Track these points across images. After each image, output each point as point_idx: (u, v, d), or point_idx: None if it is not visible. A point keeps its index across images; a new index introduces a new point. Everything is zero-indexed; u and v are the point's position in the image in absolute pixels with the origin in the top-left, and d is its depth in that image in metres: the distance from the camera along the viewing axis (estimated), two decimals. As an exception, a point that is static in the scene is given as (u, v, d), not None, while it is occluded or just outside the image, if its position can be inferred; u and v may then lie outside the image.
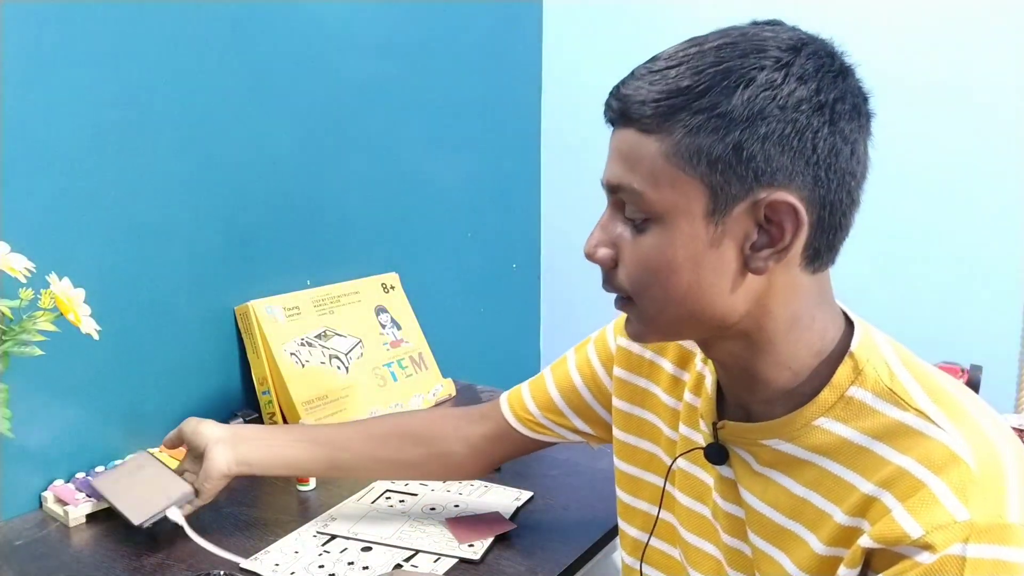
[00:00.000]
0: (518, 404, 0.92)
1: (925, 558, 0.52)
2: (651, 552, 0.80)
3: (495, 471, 1.01)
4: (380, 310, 1.49)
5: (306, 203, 1.41)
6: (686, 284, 0.59)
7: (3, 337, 0.88)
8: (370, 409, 1.36)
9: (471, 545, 0.95)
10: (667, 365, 0.79)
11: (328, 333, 1.38)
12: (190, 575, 0.89)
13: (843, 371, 0.61)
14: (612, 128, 0.62)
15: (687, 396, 0.75)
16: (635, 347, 0.82)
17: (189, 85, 1.19)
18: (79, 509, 1.02)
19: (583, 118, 1.94)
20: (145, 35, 1.13)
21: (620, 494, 0.85)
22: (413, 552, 0.94)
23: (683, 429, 0.75)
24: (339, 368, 1.36)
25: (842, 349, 0.62)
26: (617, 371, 0.84)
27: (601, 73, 1.89)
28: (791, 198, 0.56)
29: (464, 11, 1.70)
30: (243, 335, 1.30)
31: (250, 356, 1.30)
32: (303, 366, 1.30)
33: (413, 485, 1.12)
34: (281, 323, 1.31)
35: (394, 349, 1.48)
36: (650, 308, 0.62)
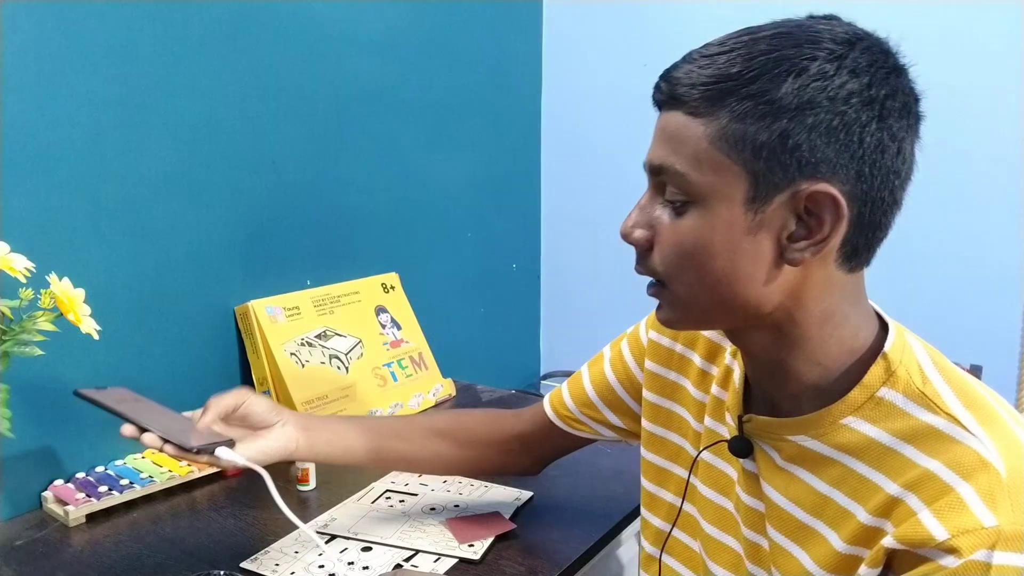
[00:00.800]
0: (558, 401, 0.95)
1: (949, 562, 0.52)
2: (672, 543, 0.80)
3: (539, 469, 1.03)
4: (380, 310, 1.49)
5: (306, 203, 1.41)
6: (720, 270, 0.59)
7: (3, 337, 0.88)
8: (370, 409, 1.36)
9: (471, 545, 0.95)
10: (697, 359, 0.79)
11: (328, 333, 1.38)
12: (190, 575, 0.89)
13: (875, 371, 0.60)
14: (659, 111, 0.62)
15: (714, 389, 0.76)
16: (665, 340, 0.83)
17: (189, 85, 1.20)
18: (79, 509, 1.02)
19: (583, 118, 1.94)
20: (145, 35, 1.13)
21: (645, 483, 0.85)
22: (413, 552, 0.94)
23: (708, 422, 0.76)
24: (339, 368, 1.36)
25: (875, 349, 0.62)
26: (648, 364, 0.85)
27: (601, 73, 1.90)
28: (833, 190, 0.56)
29: (464, 11, 1.70)
30: (243, 335, 1.30)
31: (250, 356, 1.30)
32: (303, 366, 1.30)
33: (413, 485, 1.12)
34: (281, 323, 1.31)
35: (394, 349, 1.48)
36: (683, 292, 0.62)
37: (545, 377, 2.03)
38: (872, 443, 0.59)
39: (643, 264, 0.64)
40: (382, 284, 1.52)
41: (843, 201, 0.56)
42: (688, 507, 0.79)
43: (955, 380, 0.60)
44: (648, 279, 0.65)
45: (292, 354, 1.30)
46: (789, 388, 0.64)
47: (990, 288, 1.51)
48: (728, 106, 0.56)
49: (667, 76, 0.61)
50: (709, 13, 1.68)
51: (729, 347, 0.76)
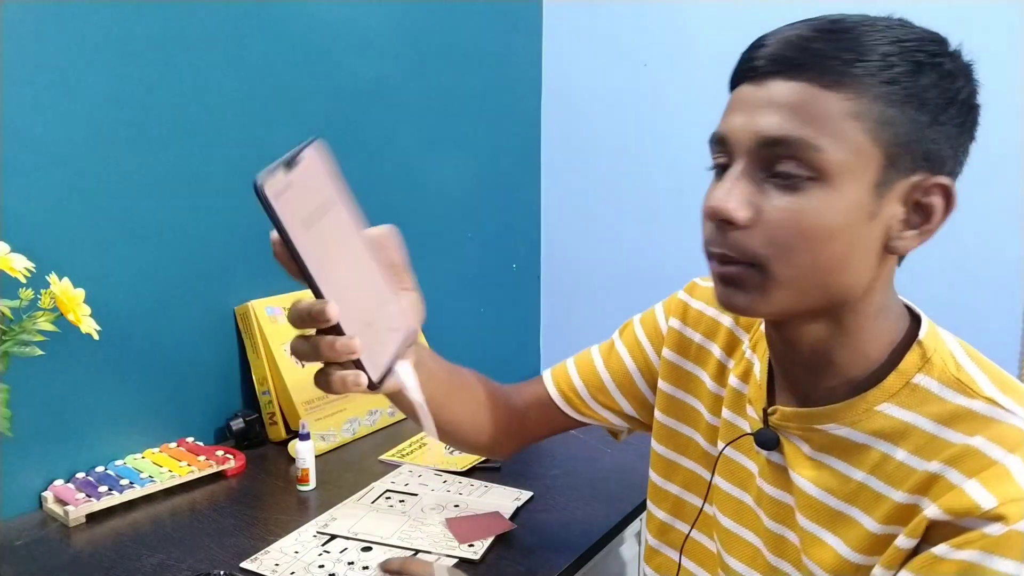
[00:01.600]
0: (566, 384, 0.89)
1: (994, 529, 0.52)
2: (682, 537, 0.80)
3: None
4: (380, 310, 1.49)
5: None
6: (835, 254, 0.57)
7: (3, 337, 0.88)
8: (370, 409, 1.36)
9: (471, 545, 0.95)
10: (716, 351, 0.78)
11: (328, 333, 1.38)
12: (190, 575, 0.89)
13: (911, 359, 0.61)
14: (750, 78, 0.59)
15: (733, 381, 0.75)
16: (687, 330, 0.81)
17: (189, 85, 1.20)
18: (79, 509, 1.01)
19: (583, 118, 1.94)
20: (145, 35, 1.13)
21: (652, 476, 0.84)
22: (413, 552, 0.94)
23: (726, 414, 0.74)
24: (339, 368, 1.36)
25: (910, 337, 0.62)
26: (666, 352, 0.82)
27: (601, 73, 1.90)
28: (951, 184, 0.58)
29: (464, 11, 1.70)
30: (243, 335, 1.30)
31: (250, 356, 1.30)
32: (303, 366, 1.30)
33: (413, 485, 1.12)
34: (281, 323, 1.31)
35: (394, 349, 1.48)
36: (786, 275, 0.58)
37: (545, 377, 2.03)
38: (910, 428, 0.59)
39: (732, 245, 0.58)
40: (382, 284, 1.52)
41: (955, 196, 0.58)
42: (706, 504, 0.78)
43: (988, 367, 0.61)
44: (714, 262, 0.61)
45: (291, 350, 1.29)
46: (828, 379, 0.63)
47: (990, 288, 1.51)
48: (874, 86, 0.55)
49: (784, 40, 0.57)
50: (708, 13, 1.68)
51: (747, 340, 0.75)
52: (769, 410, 0.68)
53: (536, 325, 2.07)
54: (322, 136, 1.43)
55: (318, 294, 0.46)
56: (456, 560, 0.92)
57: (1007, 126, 1.44)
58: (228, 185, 1.27)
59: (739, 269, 0.59)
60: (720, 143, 0.61)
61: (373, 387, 0.49)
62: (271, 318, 1.30)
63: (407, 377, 0.53)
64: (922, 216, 0.58)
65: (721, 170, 0.61)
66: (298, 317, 0.47)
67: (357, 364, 0.48)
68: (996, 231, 1.50)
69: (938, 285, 1.55)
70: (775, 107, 0.57)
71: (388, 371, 0.51)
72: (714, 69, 1.71)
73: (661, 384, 0.83)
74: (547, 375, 0.91)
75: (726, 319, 0.79)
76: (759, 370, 0.71)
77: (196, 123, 1.21)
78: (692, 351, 0.81)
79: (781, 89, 0.57)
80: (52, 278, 0.89)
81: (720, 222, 0.58)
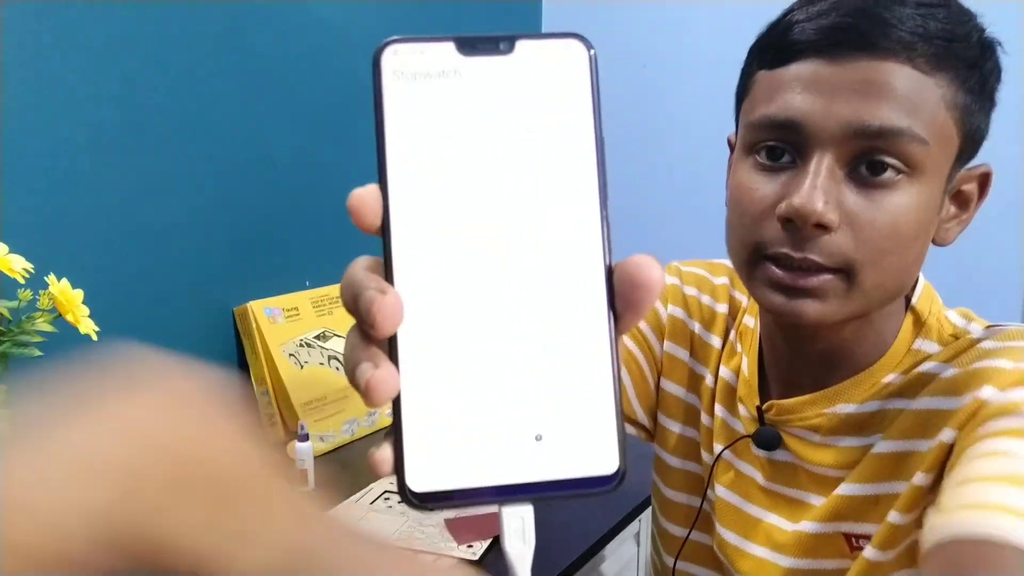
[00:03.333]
0: None
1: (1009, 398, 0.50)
2: (692, 548, 0.72)
3: None
4: (379, 311, 1.49)
5: (305, 203, 1.41)
6: (916, 253, 0.53)
7: (2, 338, 0.88)
8: (369, 410, 1.36)
9: (470, 545, 0.95)
10: (716, 342, 0.71)
11: (327, 334, 1.37)
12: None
13: (907, 325, 0.58)
14: (826, 54, 0.50)
15: (723, 372, 0.69)
16: (686, 318, 0.74)
17: (188, 85, 1.19)
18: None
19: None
20: (144, 35, 1.13)
21: (665, 490, 0.75)
22: (412, 552, 0.94)
23: (719, 411, 0.68)
24: (338, 369, 1.36)
25: (905, 304, 0.59)
26: (668, 346, 0.74)
27: (600, 73, 1.90)
28: (990, 170, 0.55)
29: (463, 11, 1.70)
30: (242, 336, 1.30)
31: (249, 357, 1.30)
32: (302, 367, 1.30)
33: (412, 486, 1.12)
34: (280, 324, 1.31)
35: (393, 350, 1.48)
36: (873, 281, 0.51)
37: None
38: (922, 377, 0.56)
39: (824, 251, 0.50)
40: (381, 285, 1.52)
41: (991, 181, 0.56)
42: (709, 510, 0.71)
43: (983, 323, 0.59)
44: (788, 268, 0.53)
45: (291, 355, 1.30)
46: (841, 369, 0.59)
47: (990, 288, 1.51)
48: (956, 69, 0.50)
49: (878, 15, 0.49)
50: (708, 14, 1.68)
51: (733, 328, 0.70)
52: (764, 407, 0.62)
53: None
54: (321, 136, 1.40)
55: (388, 273, 0.25)
56: (455, 560, 0.92)
57: (1008, 126, 1.44)
58: (228, 185, 1.27)
59: (825, 278, 0.51)
60: (780, 129, 0.52)
61: (407, 498, 0.26)
62: (270, 319, 1.30)
63: (514, 539, 0.27)
64: (960, 204, 0.56)
65: (771, 158, 0.53)
66: (346, 293, 0.26)
67: (397, 455, 0.26)
68: (996, 231, 1.50)
69: (937, 285, 1.55)
70: (870, 91, 0.49)
71: (460, 502, 0.26)
72: (714, 70, 1.72)
73: (664, 383, 0.74)
74: None
75: (721, 306, 0.72)
76: (746, 365, 0.66)
77: (196, 123, 1.21)
78: (695, 345, 0.73)
79: (875, 70, 0.49)
80: (51, 279, 0.89)
81: (809, 227, 0.50)
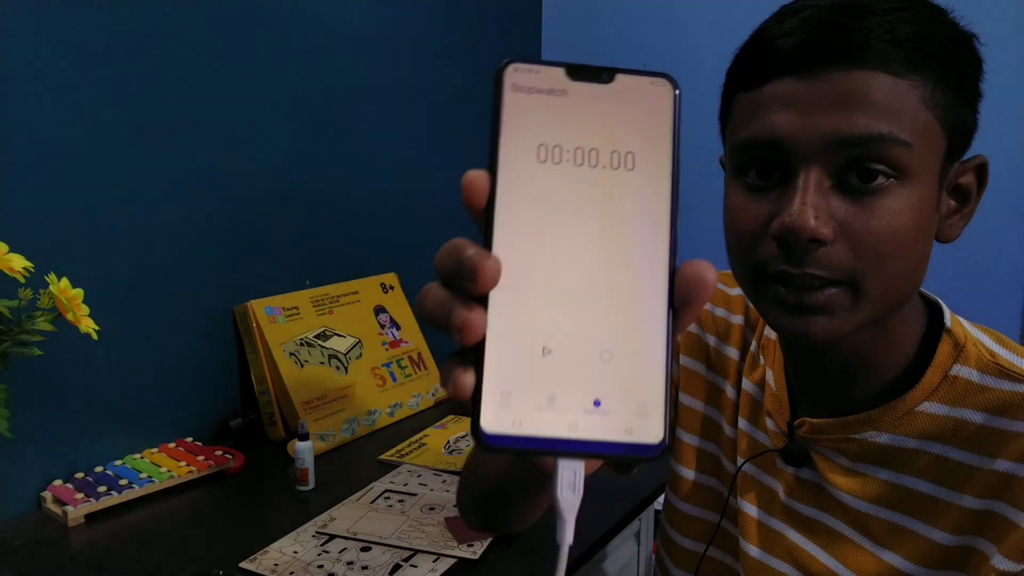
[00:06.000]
0: None
1: None
2: (707, 563, 0.72)
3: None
4: (379, 310, 1.49)
5: (305, 203, 1.41)
6: (918, 256, 0.52)
7: (2, 337, 0.88)
8: (369, 409, 1.36)
9: (470, 545, 0.95)
10: (733, 354, 0.71)
11: (327, 333, 1.38)
12: (189, 575, 0.88)
13: (944, 349, 0.56)
14: (796, 71, 0.50)
15: (747, 386, 0.68)
16: (702, 333, 0.74)
17: (189, 85, 1.19)
18: (78, 509, 1.01)
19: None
20: (145, 36, 1.13)
21: (680, 504, 0.74)
22: (412, 552, 0.94)
23: (743, 425, 0.67)
24: (338, 368, 1.36)
25: (936, 326, 0.58)
26: (685, 360, 0.74)
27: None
28: (985, 161, 0.55)
29: (463, 11, 1.70)
30: (242, 335, 1.30)
31: (249, 356, 1.30)
32: (302, 366, 1.30)
33: (412, 485, 1.12)
34: (280, 323, 1.31)
35: (393, 349, 1.48)
36: (877, 289, 0.51)
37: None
38: (959, 424, 0.55)
39: (824, 264, 0.50)
40: (381, 284, 1.52)
41: (988, 172, 0.55)
42: (727, 525, 0.70)
43: (1017, 348, 0.57)
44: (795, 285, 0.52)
45: (291, 354, 1.30)
46: (863, 384, 0.58)
47: (990, 288, 1.51)
48: (932, 69, 0.50)
49: (838, 25, 0.49)
50: (708, 14, 1.68)
51: (754, 338, 0.69)
52: (796, 423, 0.61)
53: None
54: (321, 136, 1.39)
55: (488, 245, 0.30)
56: (455, 560, 0.92)
57: (1008, 125, 1.44)
58: (228, 185, 1.27)
59: (830, 293, 0.51)
60: (767, 148, 0.52)
61: (477, 439, 0.29)
62: (270, 318, 1.30)
63: (565, 490, 0.31)
64: (960, 198, 0.55)
65: (761, 177, 0.53)
66: (446, 258, 0.30)
67: (475, 397, 0.29)
68: (996, 231, 1.50)
69: (937, 285, 1.55)
70: (847, 102, 0.49)
71: (522, 448, 0.29)
72: (714, 70, 1.72)
73: (682, 397, 0.74)
74: None
75: (736, 318, 0.72)
76: (773, 378, 0.65)
77: (195, 123, 1.21)
78: (711, 358, 0.73)
79: (850, 80, 0.49)
80: (51, 278, 0.89)
81: (804, 243, 0.50)
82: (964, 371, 0.56)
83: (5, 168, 1.00)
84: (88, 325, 0.90)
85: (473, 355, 0.29)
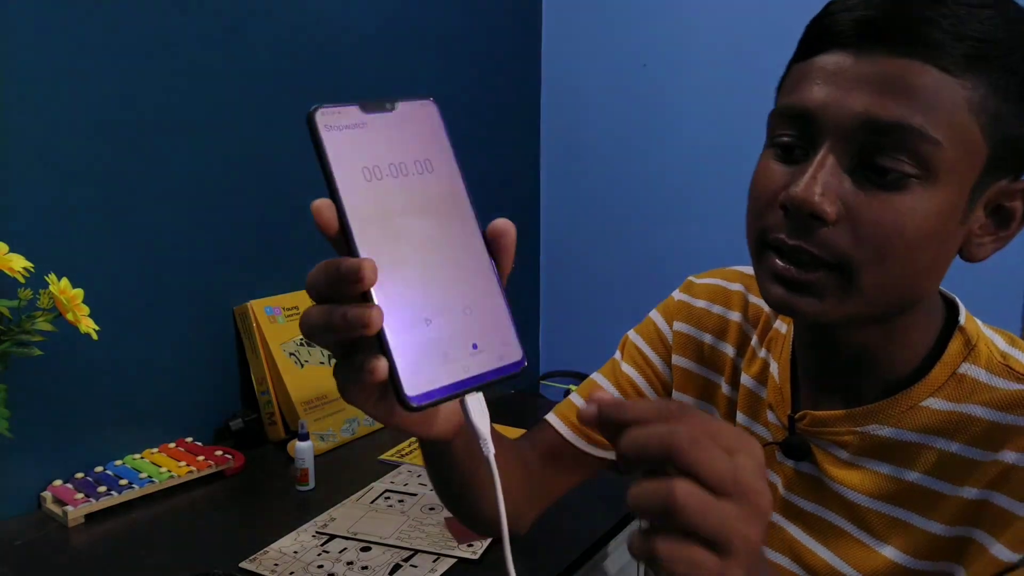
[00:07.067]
0: (573, 414, 0.76)
1: None
2: None
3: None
4: (379, 310, 1.49)
5: (305, 203, 1.40)
6: (927, 260, 0.51)
7: (2, 337, 0.88)
8: (369, 409, 1.36)
9: (470, 545, 0.95)
10: (730, 351, 0.71)
11: (327, 333, 1.37)
12: (189, 575, 0.88)
13: (954, 347, 0.56)
14: (846, 45, 0.50)
15: (746, 381, 0.68)
16: (696, 332, 0.74)
17: (189, 84, 1.19)
18: (78, 509, 1.01)
19: (582, 118, 1.94)
20: (145, 35, 1.13)
21: None
22: (413, 552, 0.94)
23: (741, 419, 0.68)
24: (338, 368, 1.36)
25: (950, 324, 0.58)
26: (677, 360, 0.74)
27: (601, 73, 1.90)
28: None
29: (463, 11, 1.70)
30: (242, 335, 1.30)
31: (249, 356, 1.30)
32: (302, 366, 1.30)
33: (413, 485, 1.12)
34: (280, 323, 1.31)
35: (393, 349, 1.48)
36: (873, 282, 0.50)
37: (544, 377, 2.03)
38: (963, 419, 0.54)
39: (820, 242, 0.50)
40: (381, 284, 1.52)
41: None
42: None
43: None
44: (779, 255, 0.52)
45: (291, 354, 1.30)
46: (869, 380, 0.58)
47: (990, 288, 1.51)
48: (989, 73, 0.47)
49: (902, 8, 0.48)
50: (708, 13, 1.68)
51: (754, 334, 0.69)
52: (797, 416, 0.61)
53: (536, 325, 2.07)
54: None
55: (354, 253, 0.37)
56: (455, 560, 0.92)
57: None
58: (228, 185, 1.27)
59: (821, 275, 0.51)
60: (796, 119, 0.51)
61: (405, 405, 0.36)
62: (270, 318, 1.30)
63: (477, 415, 0.40)
64: (999, 221, 0.53)
65: (786, 150, 0.53)
66: (322, 276, 0.37)
67: (392, 374, 0.36)
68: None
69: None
70: (887, 87, 0.48)
71: (440, 398, 0.37)
72: (714, 69, 1.72)
73: (676, 396, 0.75)
74: (551, 416, 0.78)
75: (734, 314, 0.72)
76: (777, 371, 0.65)
77: (195, 123, 1.21)
78: (705, 355, 0.73)
79: (897, 67, 0.48)
80: (51, 278, 0.89)
81: (805, 216, 0.50)
82: (973, 370, 0.55)
83: (5, 168, 1.00)
84: (88, 325, 0.90)
85: (376, 344, 0.36)
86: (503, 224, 0.41)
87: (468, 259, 0.40)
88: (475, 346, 0.38)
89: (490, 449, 0.40)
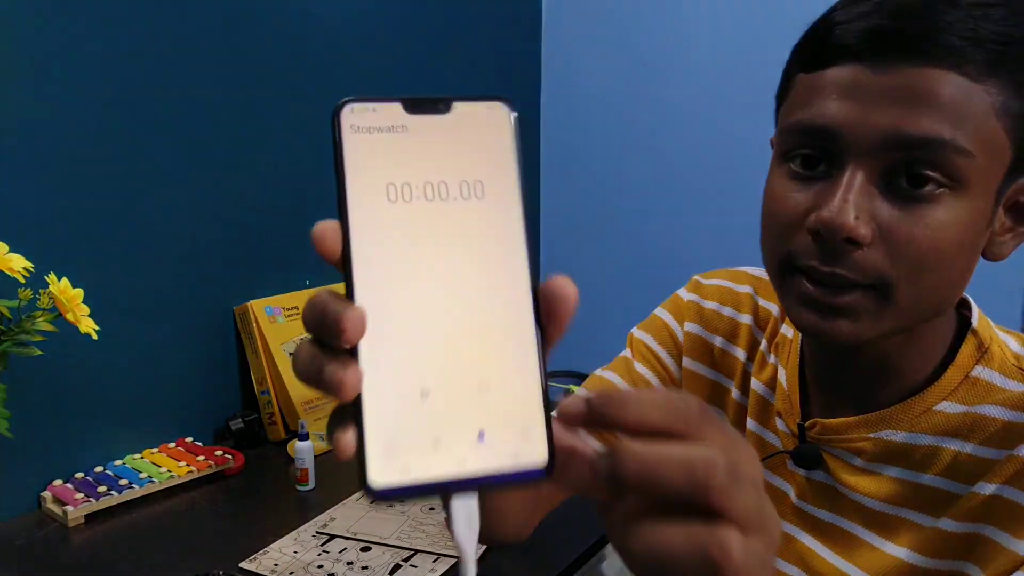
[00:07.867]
0: None
1: None
2: None
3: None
4: (379, 310, 1.49)
5: (305, 203, 1.41)
6: (960, 270, 0.50)
7: (2, 337, 0.88)
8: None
9: (470, 545, 0.95)
10: (740, 355, 0.69)
11: (327, 333, 1.38)
12: (189, 575, 0.88)
13: (967, 350, 0.55)
14: (865, 58, 0.47)
15: (756, 386, 0.66)
16: (707, 335, 0.72)
17: (188, 85, 1.19)
18: (78, 509, 1.01)
19: (582, 118, 1.94)
20: (145, 35, 1.13)
21: None
22: (412, 552, 0.94)
23: (752, 426, 0.66)
24: (338, 368, 1.36)
25: (962, 326, 0.57)
26: (688, 362, 0.73)
27: (601, 73, 1.90)
28: None
29: (463, 10, 1.70)
30: (242, 335, 1.30)
31: (249, 356, 1.30)
32: (302, 366, 1.30)
33: (412, 485, 1.12)
34: (280, 323, 1.31)
35: (393, 349, 1.48)
36: (909, 298, 0.49)
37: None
38: (977, 420, 0.53)
39: (856, 266, 0.48)
40: (381, 284, 1.52)
41: None
42: None
43: None
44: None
45: (291, 354, 1.29)
46: (885, 387, 0.57)
47: (990, 288, 1.51)
48: (1009, 74, 0.46)
49: (919, 16, 0.46)
50: (708, 13, 1.68)
51: (763, 338, 0.68)
52: (807, 424, 0.60)
53: (535, 325, 2.07)
54: (322, 136, 1.39)
55: (350, 294, 0.29)
56: (455, 560, 0.92)
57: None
58: (228, 185, 1.27)
59: (857, 296, 0.49)
60: (813, 135, 0.49)
61: (365, 489, 0.28)
62: (270, 318, 1.30)
63: (462, 526, 0.30)
64: (1017, 217, 0.52)
65: (805, 165, 0.51)
66: (311, 312, 0.30)
67: (359, 451, 0.28)
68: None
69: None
70: (912, 100, 0.46)
71: (413, 495, 0.28)
72: (714, 69, 1.72)
73: None
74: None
75: (745, 317, 0.70)
76: (785, 378, 0.64)
77: (195, 123, 1.21)
78: (716, 358, 0.71)
79: (918, 77, 0.46)
80: (51, 278, 0.89)
81: (839, 241, 0.48)
82: (986, 373, 0.54)
83: (5, 168, 1.00)
84: (88, 325, 0.90)
85: (352, 410, 0.28)
86: (565, 285, 0.30)
87: (504, 320, 0.30)
88: (481, 435, 0.29)
89: (470, 571, 0.31)
